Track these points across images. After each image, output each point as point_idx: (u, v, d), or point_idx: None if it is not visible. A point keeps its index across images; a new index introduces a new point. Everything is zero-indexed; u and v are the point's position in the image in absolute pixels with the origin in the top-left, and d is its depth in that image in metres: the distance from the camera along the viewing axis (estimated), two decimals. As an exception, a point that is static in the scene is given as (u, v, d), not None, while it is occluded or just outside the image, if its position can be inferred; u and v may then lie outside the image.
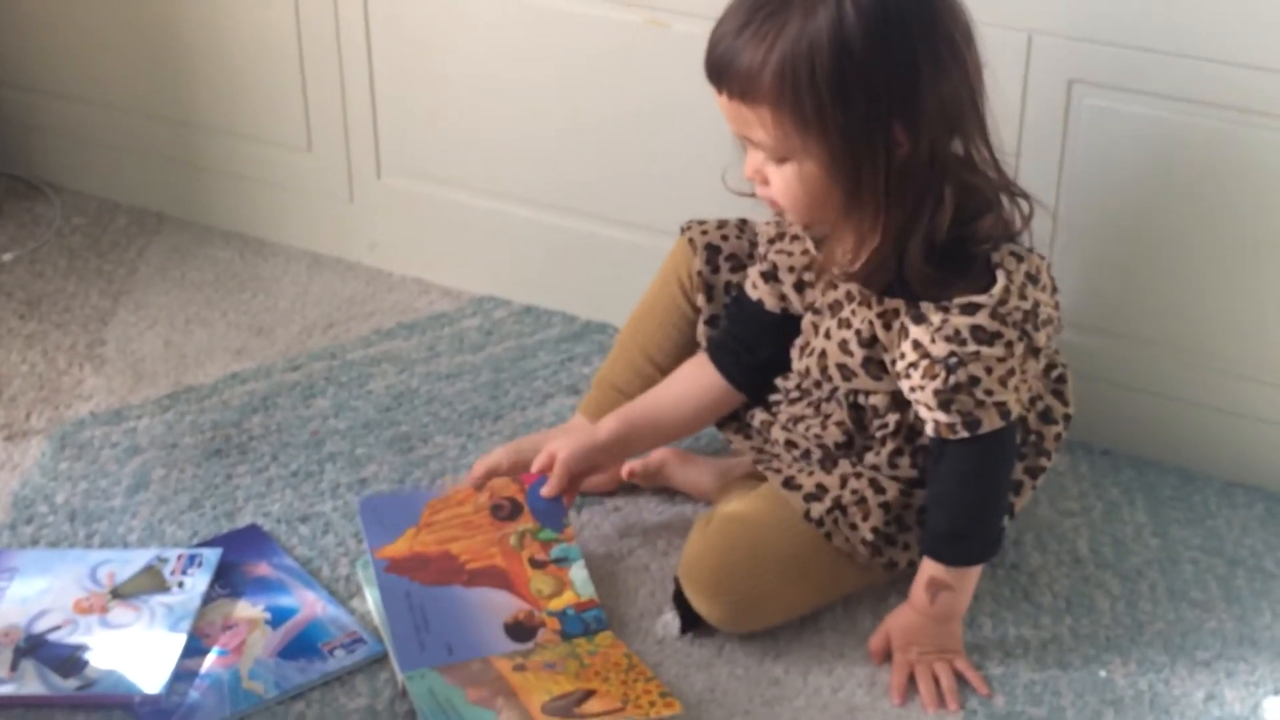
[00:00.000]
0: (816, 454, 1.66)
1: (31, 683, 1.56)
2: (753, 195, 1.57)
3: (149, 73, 2.27)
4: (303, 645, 1.61)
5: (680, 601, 1.62)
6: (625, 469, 1.79)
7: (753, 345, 1.70)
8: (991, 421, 1.51)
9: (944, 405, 1.51)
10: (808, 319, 1.64)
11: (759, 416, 1.71)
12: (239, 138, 2.25)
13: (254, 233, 2.30)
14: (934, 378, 1.51)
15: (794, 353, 1.67)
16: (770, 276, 1.66)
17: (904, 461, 1.61)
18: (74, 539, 1.76)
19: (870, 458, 1.62)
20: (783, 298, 1.66)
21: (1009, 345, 1.50)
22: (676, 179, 1.97)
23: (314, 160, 2.21)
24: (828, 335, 1.61)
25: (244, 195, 2.29)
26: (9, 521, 1.78)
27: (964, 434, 1.51)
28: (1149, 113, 1.71)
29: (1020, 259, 1.53)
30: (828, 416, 1.65)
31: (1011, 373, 1.51)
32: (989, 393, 1.50)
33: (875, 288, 1.54)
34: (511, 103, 2.05)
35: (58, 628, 1.62)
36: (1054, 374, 1.66)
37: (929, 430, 1.54)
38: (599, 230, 2.07)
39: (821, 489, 1.61)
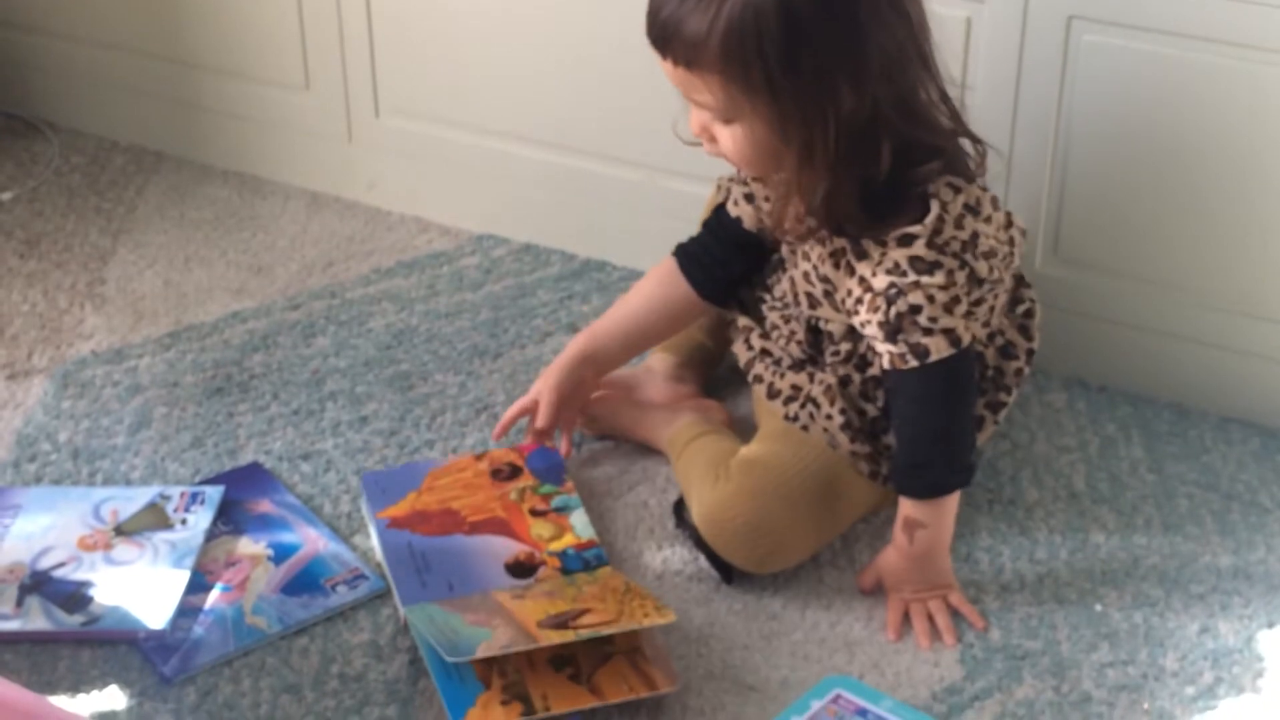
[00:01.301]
0: (786, 362, 1.69)
1: (37, 619, 1.57)
2: (699, 144, 1.58)
3: (147, 11, 2.26)
4: (305, 581, 1.62)
5: (709, 556, 1.63)
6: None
7: (725, 260, 1.72)
8: (940, 349, 1.52)
9: (890, 336, 1.53)
10: (786, 246, 1.66)
11: (741, 320, 1.74)
12: (237, 77, 2.24)
13: (252, 171, 2.30)
14: (876, 310, 1.53)
15: (776, 274, 1.69)
16: (752, 198, 1.68)
17: (852, 389, 1.63)
18: (77, 477, 1.77)
19: (826, 375, 1.65)
20: (761, 220, 1.67)
21: (950, 273, 1.51)
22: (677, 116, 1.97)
23: (312, 99, 2.20)
24: (795, 265, 1.63)
25: (242, 134, 2.28)
26: (12, 460, 1.79)
27: (914, 363, 1.53)
28: (1148, 49, 1.71)
29: (957, 190, 1.53)
30: (792, 334, 1.68)
31: (956, 300, 1.52)
32: (933, 320, 1.51)
33: (829, 228, 1.55)
34: (510, 40, 2.04)
35: (62, 564, 1.63)
36: (1020, 309, 1.67)
37: (884, 363, 1.55)
38: (598, 168, 2.06)
39: (795, 389, 1.66)
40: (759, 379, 1.70)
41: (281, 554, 1.66)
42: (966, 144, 1.57)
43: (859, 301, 1.55)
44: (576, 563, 1.63)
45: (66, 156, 2.34)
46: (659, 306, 1.75)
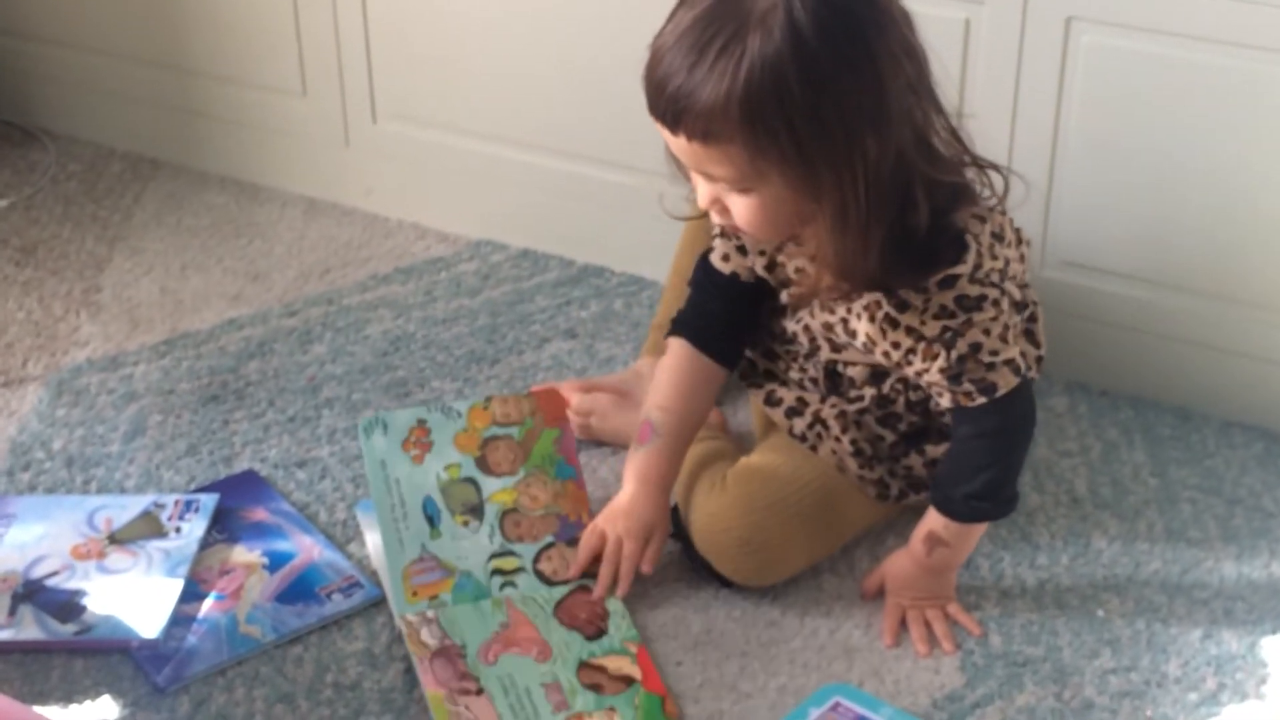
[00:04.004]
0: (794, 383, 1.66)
1: (30, 628, 1.56)
2: (700, 218, 1.54)
3: (143, 18, 2.26)
4: (300, 589, 1.61)
5: (700, 563, 1.62)
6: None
7: (737, 323, 1.64)
8: (1007, 381, 1.50)
9: (954, 379, 1.50)
10: (789, 295, 1.61)
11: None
12: (234, 83, 2.24)
13: (249, 178, 2.29)
14: (934, 358, 1.50)
15: (785, 314, 1.65)
16: (744, 250, 1.61)
17: (868, 419, 1.61)
18: (71, 485, 1.76)
19: (840, 400, 1.63)
20: (759, 271, 1.61)
21: (996, 302, 1.49)
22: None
23: (309, 105, 2.20)
24: (812, 314, 1.59)
25: (239, 140, 2.28)
26: (6, 468, 1.78)
27: (982, 399, 1.50)
28: (1148, 49, 1.70)
29: (983, 220, 1.49)
30: (805, 371, 1.64)
31: (1007, 327, 1.50)
32: (994, 353, 1.49)
33: (863, 287, 1.50)
34: (508, 45, 2.04)
35: (55, 573, 1.62)
36: (1025, 313, 1.65)
37: (946, 403, 1.52)
38: (596, 173, 2.06)
39: (802, 403, 1.63)
40: (758, 386, 1.68)
41: (276, 562, 1.65)
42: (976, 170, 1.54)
43: (910, 353, 1.51)
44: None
45: (63, 164, 2.34)
46: (700, 394, 1.63)
